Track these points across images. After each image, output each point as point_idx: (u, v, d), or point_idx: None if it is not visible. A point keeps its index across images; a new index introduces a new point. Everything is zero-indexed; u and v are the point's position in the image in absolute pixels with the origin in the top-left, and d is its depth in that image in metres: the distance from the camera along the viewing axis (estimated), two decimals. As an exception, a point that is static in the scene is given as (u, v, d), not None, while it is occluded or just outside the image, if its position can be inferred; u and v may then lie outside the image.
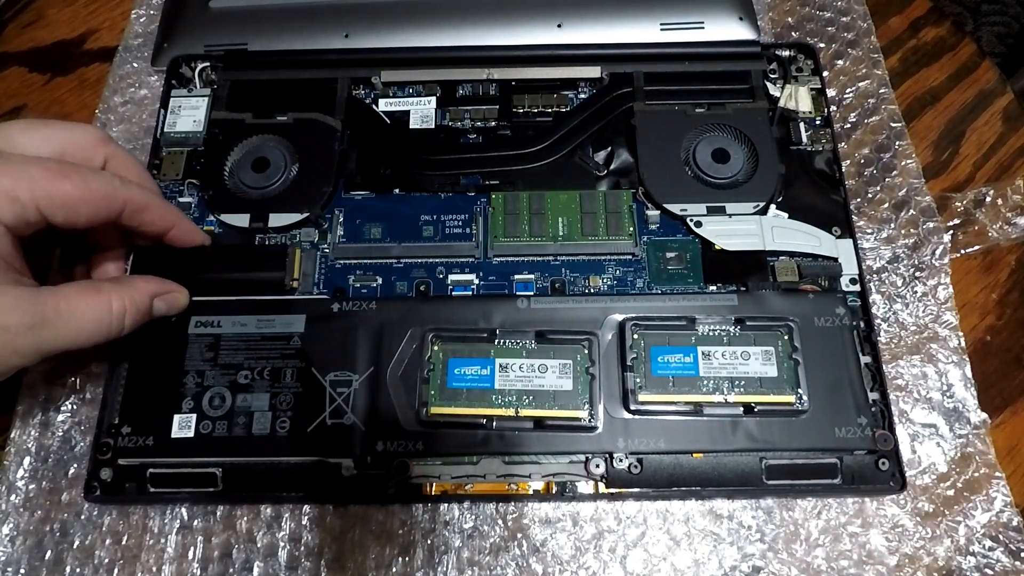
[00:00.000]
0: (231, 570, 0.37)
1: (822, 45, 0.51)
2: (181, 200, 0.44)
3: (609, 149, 0.45)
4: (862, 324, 0.39)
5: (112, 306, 0.34)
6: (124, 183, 0.35)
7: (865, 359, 0.38)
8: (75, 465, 0.39)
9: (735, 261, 0.41)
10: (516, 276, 0.41)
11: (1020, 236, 0.44)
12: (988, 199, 0.45)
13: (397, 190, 0.44)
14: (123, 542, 0.37)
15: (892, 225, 0.45)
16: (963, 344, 0.41)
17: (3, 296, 0.30)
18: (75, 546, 0.37)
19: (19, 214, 0.32)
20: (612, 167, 0.45)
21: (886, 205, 0.45)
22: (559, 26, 0.49)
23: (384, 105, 0.47)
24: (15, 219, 0.32)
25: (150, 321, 0.37)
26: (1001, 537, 0.37)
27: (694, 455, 0.37)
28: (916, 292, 0.43)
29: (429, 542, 0.37)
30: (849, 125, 0.48)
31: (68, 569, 0.37)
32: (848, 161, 0.47)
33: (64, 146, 0.35)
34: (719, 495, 0.37)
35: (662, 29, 0.49)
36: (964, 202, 0.45)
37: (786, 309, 0.39)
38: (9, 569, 0.37)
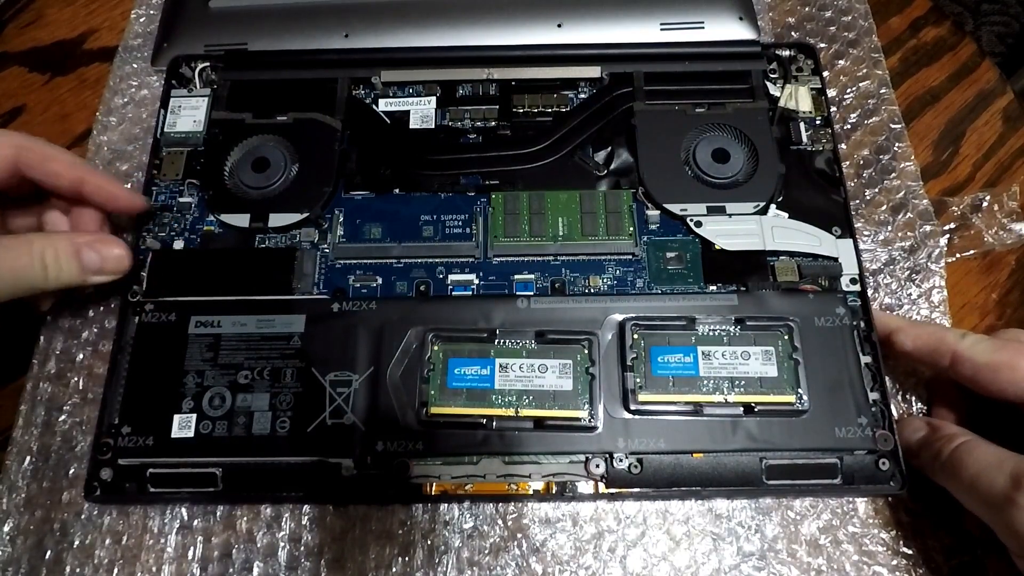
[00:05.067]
0: (231, 570, 0.37)
1: (822, 45, 0.51)
2: (181, 200, 0.44)
3: (609, 149, 0.45)
4: (862, 324, 0.39)
5: (32, 247, 0.33)
6: (15, 133, 0.35)
7: (865, 359, 0.38)
8: (76, 465, 0.39)
9: (735, 261, 0.41)
10: (516, 276, 0.41)
11: (1016, 242, 0.44)
12: (984, 204, 0.45)
13: (397, 190, 0.44)
14: (123, 542, 0.37)
15: (889, 228, 0.45)
16: None
17: None
18: (75, 546, 0.37)
19: None
20: (612, 167, 0.45)
21: (884, 207, 0.45)
22: (559, 26, 0.49)
23: (384, 105, 0.47)
24: None
25: (154, 324, 0.37)
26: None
27: (694, 455, 0.37)
28: (911, 295, 0.43)
29: (429, 542, 0.37)
30: (849, 126, 0.48)
31: (68, 569, 0.37)
32: (847, 163, 0.47)
33: None
34: (719, 495, 0.37)
35: (662, 29, 0.49)
36: (961, 207, 0.45)
37: (786, 309, 0.39)
38: (9, 569, 0.37)
